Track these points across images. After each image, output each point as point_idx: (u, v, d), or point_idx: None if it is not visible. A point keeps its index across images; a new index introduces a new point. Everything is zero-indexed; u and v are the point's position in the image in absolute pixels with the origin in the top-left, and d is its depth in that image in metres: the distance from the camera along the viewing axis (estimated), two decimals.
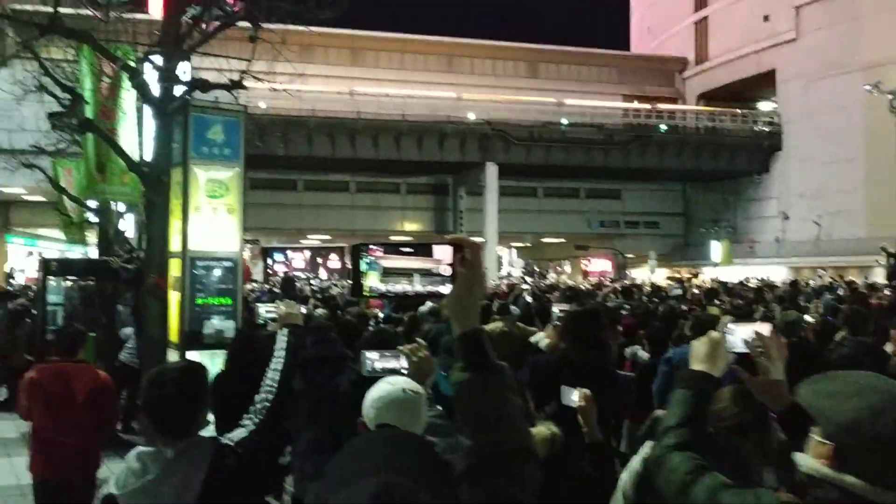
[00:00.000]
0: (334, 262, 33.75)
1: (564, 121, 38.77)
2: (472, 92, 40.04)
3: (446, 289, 1.39)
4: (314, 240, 41.54)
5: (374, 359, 3.02)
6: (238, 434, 2.38)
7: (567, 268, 50.27)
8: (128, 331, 8.91)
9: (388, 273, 1.44)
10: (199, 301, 4.75)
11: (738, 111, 42.15)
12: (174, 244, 4.96)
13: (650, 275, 40.09)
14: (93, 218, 13.42)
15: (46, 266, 8.36)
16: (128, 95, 7.44)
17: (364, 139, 35.96)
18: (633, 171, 41.04)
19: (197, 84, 6.19)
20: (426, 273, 1.42)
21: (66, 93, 7.20)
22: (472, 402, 1.30)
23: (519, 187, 42.56)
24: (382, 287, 1.47)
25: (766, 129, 41.27)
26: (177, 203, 4.94)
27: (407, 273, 1.43)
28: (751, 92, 44.46)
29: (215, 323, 4.75)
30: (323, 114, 34.29)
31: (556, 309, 4.66)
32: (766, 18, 41.17)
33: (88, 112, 7.25)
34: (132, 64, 6.68)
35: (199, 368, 2.54)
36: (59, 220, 36.47)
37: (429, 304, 11.79)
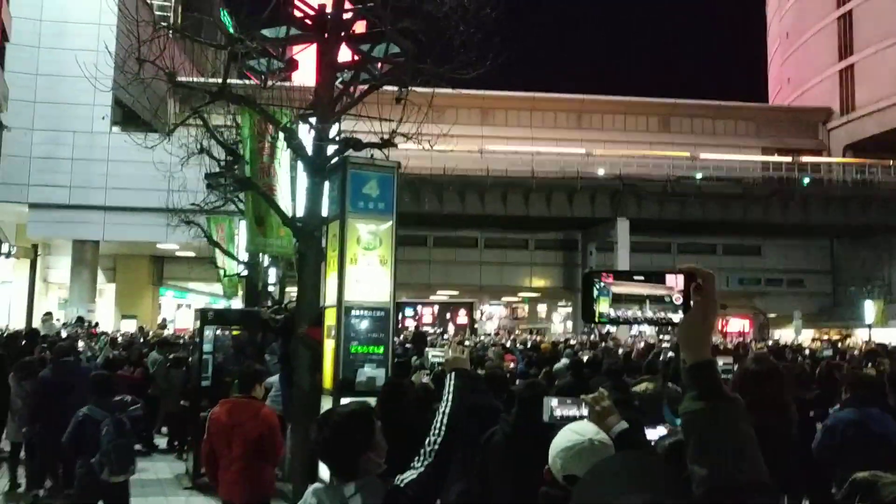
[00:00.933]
0: (462, 317, 33.97)
1: (699, 175, 37.73)
2: (603, 148, 39.83)
3: (677, 317, 1.42)
4: (443, 295, 42.07)
5: (554, 406, 3.00)
6: (408, 476, 2.42)
7: None
8: (272, 379, 9.25)
9: (618, 299, 1.46)
10: (353, 349, 4.86)
11: (890, 162, 39.55)
12: (329, 295, 5.12)
13: (795, 335, 37.78)
14: (243, 271, 14.20)
15: (203, 316, 8.88)
16: (283, 155, 7.88)
17: (493, 196, 36.38)
18: (774, 226, 39.16)
19: (350, 143, 6.46)
20: (657, 300, 1.44)
21: (229, 154, 7.74)
22: (705, 432, 1.28)
23: (651, 243, 41.51)
24: (613, 313, 1.48)
25: None
26: (333, 255, 5.13)
27: (638, 300, 1.45)
28: None
29: (367, 371, 4.84)
30: (453, 172, 35.03)
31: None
32: None
33: (248, 171, 7.73)
34: (289, 126, 7.07)
35: (366, 411, 2.60)
36: (206, 275, 39.06)
37: (564, 360, 11.59)
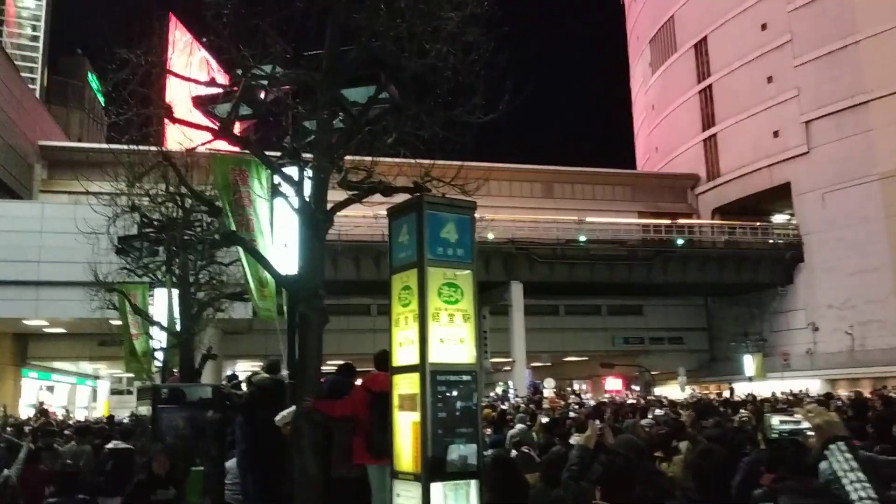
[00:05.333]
0: None
1: (583, 237, 38.88)
2: (492, 213, 40.33)
3: None
4: (331, 365, 40.43)
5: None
6: None
7: (584, 386, 49.00)
8: (229, 464, 8.12)
9: None
10: (442, 422, 4.11)
11: (757, 224, 42.47)
12: (403, 357, 4.37)
13: (681, 391, 39.09)
14: (161, 346, 12.77)
15: (156, 395, 7.62)
16: (261, 207, 7.03)
17: (346, 261, 35.70)
18: (656, 286, 40.79)
19: (378, 187, 5.81)
20: None
21: (205, 205, 6.79)
22: None
23: (540, 306, 42.12)
24: None
25: (786, 241, 41.39)
26: (405, 310, 4.39)
27: None
28: (765, 205, 44.97)
29: (460, 448, 4.09)
30: (347, 237, 34.12)
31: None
32: (775, 134, 42.15)
33: (230, 225, 6.79)
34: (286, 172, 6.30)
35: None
36: (77, 353, 35.78)
37: (519, 424, 11.06)
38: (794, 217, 42.37)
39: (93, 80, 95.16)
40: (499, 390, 35.03)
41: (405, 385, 4.31)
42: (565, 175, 47.72)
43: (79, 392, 43.44)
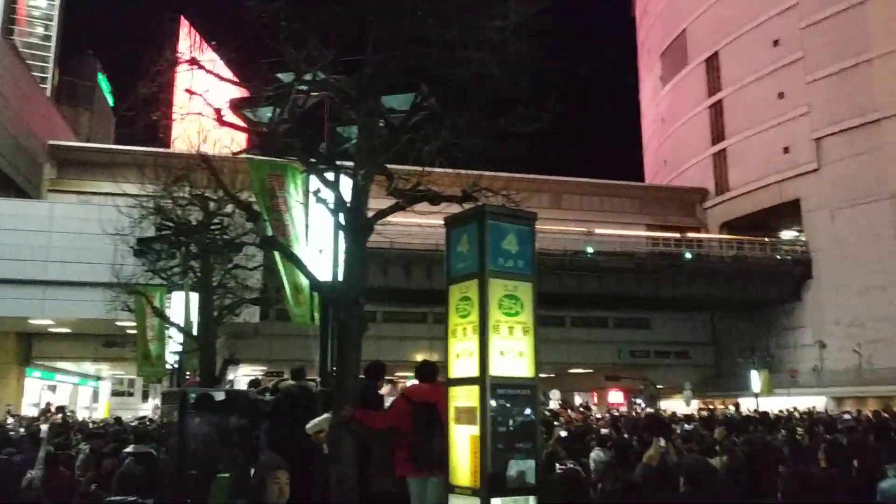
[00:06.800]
0: None
1: (591, 249, 38.82)
2: None
3: None
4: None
5: None
6: None
7: (594, 399, 48.85)
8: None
9: None
10: (502, 437, 4.02)
11: (766, 239, 42.39)
12: (461, 368, 4.27)
13: (686, 405, 38.90)
14: (179, 350, 12.67)
15: (183, 400, 7.52)
16: (296, 213, 6.96)
17: (396, 269, 35.84)
18: (663, 300, 40.69)
19: (426, 195, 5.74)
20: None
21: (243, 210, 6.70)
22: None
23: (547, 317, 41.84)
24: None
25: (794, 258, 41.29)
26: (463, 321, 4.30)
27: None
28: (774, 220, 44.85)
29: (519, 464, 4.00)
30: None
31: None
32: (786, 150, 42.11)
33: (268, 230, 6.71)
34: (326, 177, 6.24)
35: None
36: (81, 353, 35.65)
37: None
38: (803, 234, 42.27)
39: (102, 81, 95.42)
40: None
41: (463, 397, 4.21)
42: (574, 186, 47.66)
43: (80, 392, 43.32)
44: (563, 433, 12.32)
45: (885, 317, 35.92)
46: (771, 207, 43.57)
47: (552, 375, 50.37)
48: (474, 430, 4.06)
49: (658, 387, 44.74)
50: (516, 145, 7.36)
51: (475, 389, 4.08)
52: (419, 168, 6.40)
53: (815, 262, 40.39)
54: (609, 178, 49.84)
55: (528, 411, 4.17)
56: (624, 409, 39.93)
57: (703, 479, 4.01)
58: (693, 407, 37.53)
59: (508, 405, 4.11)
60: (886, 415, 22.52)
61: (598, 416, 25.53)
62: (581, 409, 28.23)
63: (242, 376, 34.89)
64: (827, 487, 3.89)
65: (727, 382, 43.19)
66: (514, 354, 4.20)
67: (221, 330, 15.07)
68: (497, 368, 4.09)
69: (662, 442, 5.29)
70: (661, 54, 54.63)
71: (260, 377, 27.80)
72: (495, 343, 4.12)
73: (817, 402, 34.79)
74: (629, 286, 38.97)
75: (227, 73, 6.99)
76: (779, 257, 41.87)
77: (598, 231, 39.99)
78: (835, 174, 39.24)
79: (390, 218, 6.56)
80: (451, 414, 4.29)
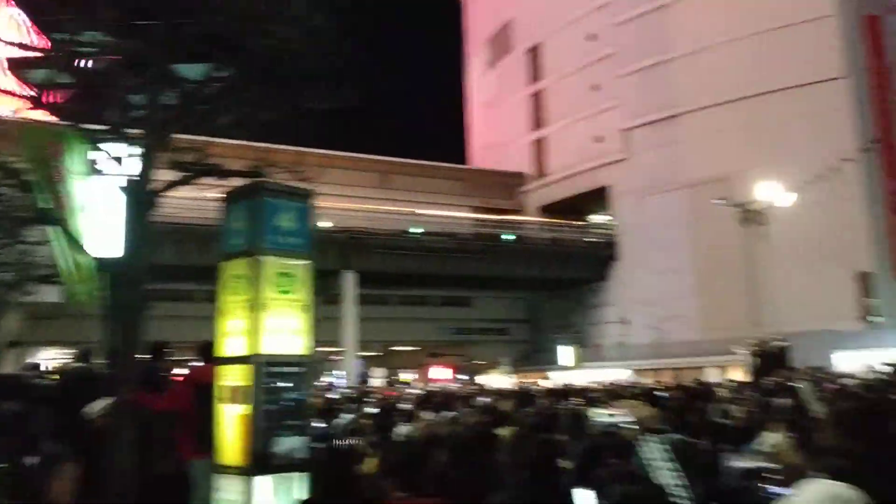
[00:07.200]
0: None
1: (416, 229, 39.49)
2: (327, 201, 39.85)
3: None
4: None
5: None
6: None
7: (413, 376, 49.86)
8: (30, 460, 7.50)
9: None
10: (270, 415, 4.01)
11: (579, 223, 45.04)
12: (232, 347, 4.21)
13: (504, 381, 40.68)
14: None
15: None
16: (75, 185, 6.48)
17: (187, 245, 34.28)
18: (485, 279, 42.20)
19: (206, 169, 5.53)
20: None
21: (13, 179, 6.11)
22: None
23: (372, 295, 42.25)
24: None
25: (604, 241, 44.19)
26: (236, 299, 4.23)
27: None
28: (587, 205, 47.66)
29: (287, 441, 4.01)
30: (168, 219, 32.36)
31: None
32: (598, 139, 44.81)
33: (42, 202, 6.19)
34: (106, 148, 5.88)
35: None
36: None
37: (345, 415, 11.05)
38: (612, 218, 45.30)
39: None
40: (326, 380, 34.78)
41: (232, 377, 4.18)
42: (402, 167, 48.10)
43: None
44: (375, 410, 12.47)
45: (679, 296, 39.34)
46: (585, 193, 46.24)
47: (379, 354, 50.90)
48: (242, 409, 4.04)
49: (479, 363, 46.51)
50: (322, 122, 7.33)
51: (244, 368, 4.06)
52: (208, 139, 6.19)
53: (621, 244, 43.46)
54: (439, 161, 50.83)
55: (300, 389, 4.21)
56: (453, 385, 41.04)
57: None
58: (512, 381, 39.26)
59: (279, 383, 4.11)
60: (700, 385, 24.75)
61: (418, 391, 26.07)
62: (397, 386, 28.69)
63: (45, 360, 32.28)
64: None
65: (542, 357, 45.59)
66: (287, 332, 4.20)
67: (16, 310, 13.85)
68: (269, 347, 4.08)
69: (451, 413, 5.52)
70: (488, 41, 56.21)
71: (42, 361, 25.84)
72: (267, 321, 4.10)
73: (621, 374, 37.53)
74: (452, 266, 40.02)
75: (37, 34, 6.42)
76: (590, 240, 44.65)
77: (423, 212, 40.65)
78: (640, 164, 42.30)
79: (180, 192, 6.32)
80: (219, 393, 4.24)
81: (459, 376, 44.88)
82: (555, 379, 35.04)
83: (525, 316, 49.81)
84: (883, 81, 36.35)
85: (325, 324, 39.17)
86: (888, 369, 20.63)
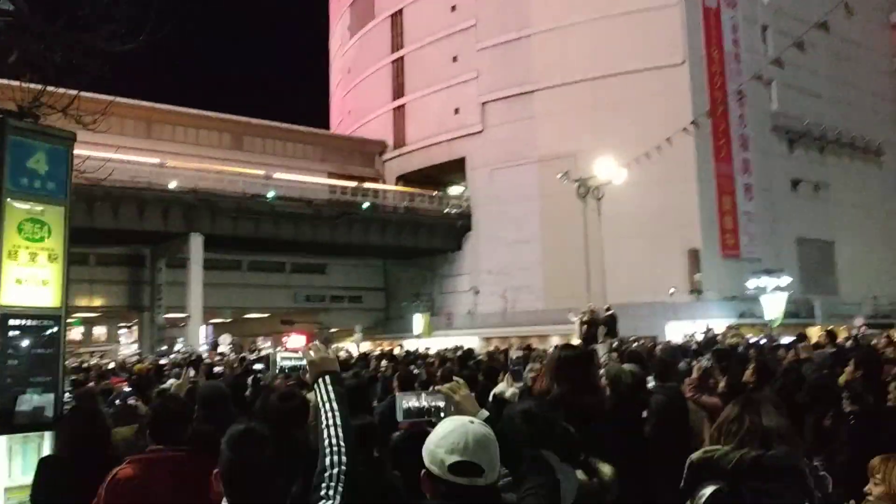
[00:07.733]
0: None
1: (270, 193, 38.59)
2: (175, 160, 38.17)
3: None
4: None
5: (280, 360, 3.02)
6: None
7: (267, 343, 49.11)
8: None
9: None
10: (13, 370, 3.83)
11: (434, 193, 45.55)
12: None
13: (357, 347, 40.81)
14: None
15: None
16: None
17: None
18: (340, 246, 41.99)
19: None
20: None
21: None
22: None
23: (222, 260, 41.07)
24: None
25: (459, 211, 44.99)
26: None
27: None
28: (444, 176, 48.27)
29: (33, 399, 3.85)
30: None
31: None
32: (456, 111, 45.36)
33: None
34: None
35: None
36: None
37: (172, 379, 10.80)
38: (467, 189, 46.14)
39: None
40: (169, 347, 33.59)
41: None
42: (256, 128, 46.74)
43: None
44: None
45: (527, 267, 40.78)
46: (442, 164, 46.78)
47: (230, 320, 49.60)
48: None
49: (333, 330, 46.31)
50: (149, 73, 6.95)
51: None
52: None
53: (474, 215, 44.40)
54: (300, 125, 49.74)
55: (49, 343, 4.04)
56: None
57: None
58: (364, 348, 39.40)
59: (24, 337, 3.94)
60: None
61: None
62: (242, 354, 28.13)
63: None
64: None
65: (395, 325, 46.05)
66: (35, 283, 4.02)
67: None
68: (12, 297, 3.89)
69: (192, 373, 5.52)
70: (350, 4, 55.30)
71: None
72: (11, 270, 3.91)
73: (471, 341, 38.55)
74: (307, 232, 39.53)
75: None
76: (446, 211, 45.31)
77: (277, 175, 39.77)
78: (495, 137, 43.23)
79: None
80: None
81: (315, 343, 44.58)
82: (408, 346, 35.54)
83: (380, 284, 50.05)
84: (719, 68, 38.98)
85: (170, 289, 37.73)
86: (701, 336, 22.47)
